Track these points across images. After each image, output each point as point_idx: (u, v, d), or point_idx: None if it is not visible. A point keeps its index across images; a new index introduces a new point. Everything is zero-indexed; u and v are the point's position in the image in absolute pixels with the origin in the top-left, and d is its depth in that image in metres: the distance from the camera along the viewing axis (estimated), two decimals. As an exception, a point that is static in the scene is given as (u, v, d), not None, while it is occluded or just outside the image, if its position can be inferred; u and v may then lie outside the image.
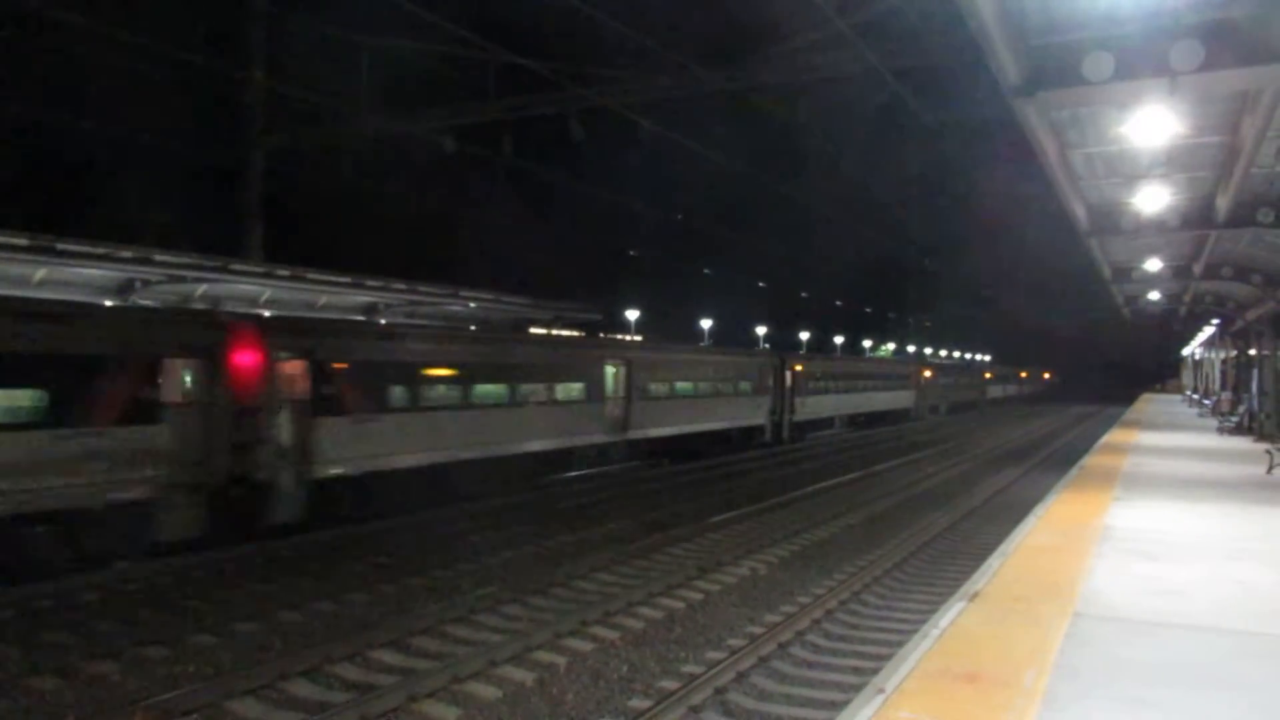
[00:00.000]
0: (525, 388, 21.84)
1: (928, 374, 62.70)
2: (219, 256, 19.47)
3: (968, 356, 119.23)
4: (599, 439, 24.85)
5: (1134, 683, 5.72)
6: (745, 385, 33.63)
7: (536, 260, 46.61)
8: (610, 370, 25.37)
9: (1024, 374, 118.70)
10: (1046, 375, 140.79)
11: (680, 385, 29.13)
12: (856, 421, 48.88)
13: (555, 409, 22.87)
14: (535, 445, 21.99)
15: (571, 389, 23.70)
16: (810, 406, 39.71)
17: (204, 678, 9.27)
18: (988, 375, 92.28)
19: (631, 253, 49.90)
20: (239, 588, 12.90)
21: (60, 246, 15.77)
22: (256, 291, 20.14)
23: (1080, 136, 12.51)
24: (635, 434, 26.21)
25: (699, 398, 30.24)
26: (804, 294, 72.66)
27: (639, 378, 26.34)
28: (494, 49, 19.71)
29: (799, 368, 38.42)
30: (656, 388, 27.52)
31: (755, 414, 34.60)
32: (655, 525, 17.88)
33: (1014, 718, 5.10)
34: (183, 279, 18.13)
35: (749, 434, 34.19)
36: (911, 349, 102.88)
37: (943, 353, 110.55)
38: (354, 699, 8.61)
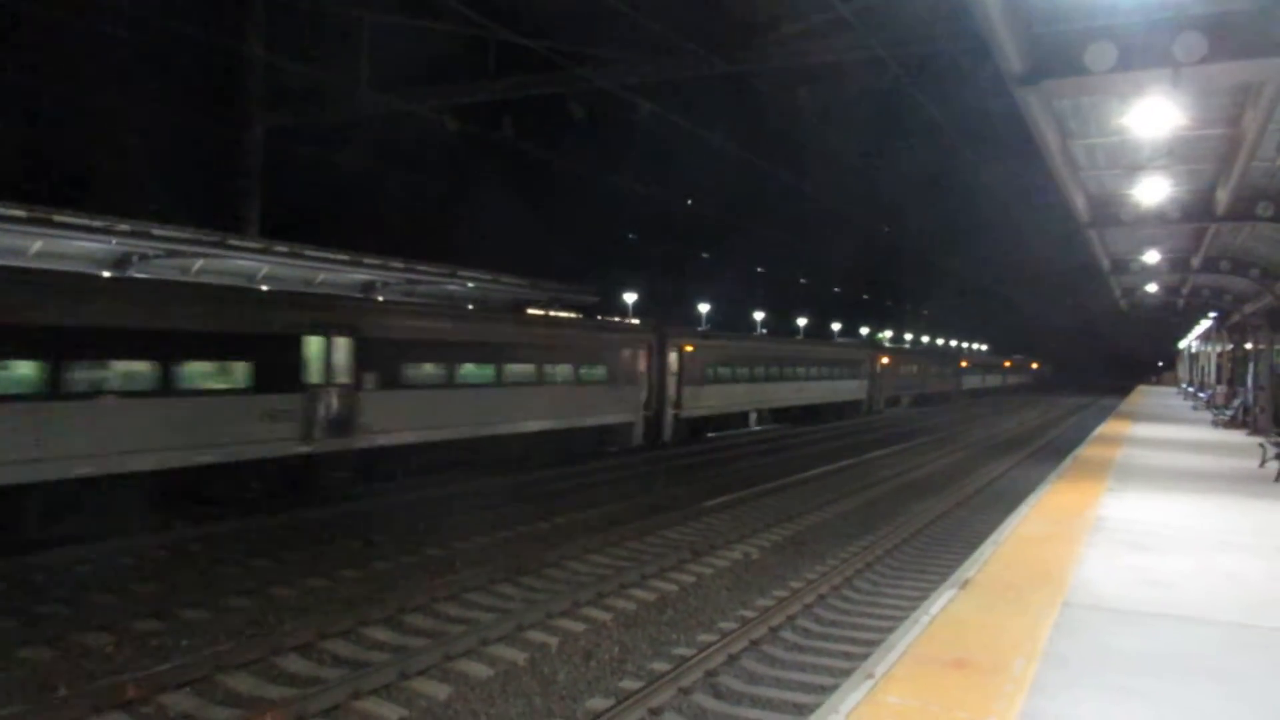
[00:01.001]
0: (88, 371, 13.67)
1: (885, 360, 53.70)
2: (217, 231, 19.45)
3: (963, 345, 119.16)
4: (285, 449, 16.18)
5: (1122, 672, 5.75)
6: (597, 371, 25.03)
7: (533, 241, 46.58)
8: (316, 344, 16.87)
9: (1008, 363, 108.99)
10: (1035, 365, 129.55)
11: (469, 369, 20.70)
12: (790, 416, 40.92)
13: (181, 403, 14.57)
14: (127, 463, 13.71)
15: (220, 372, 15.54)
16: (707, 398, 31.12)
17: (196, 651, 9.28)
18: (964, 364, 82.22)
19: (630, 235, 49.76)
20: (233, 563, 12.93)
21: (58, 218, 15.76)
22: (254, 267, 20.14)
23: (1082, 127, 12.49)
24: (371, 440, 17.87)
25: (505, 387, 21.62)
26: (802, 280, 72.78)
27: (376, 356, 17.99)
28: (494, 28, 19.61)
29: (689, 348, 29.62)
30: (414, 371, 19.17)
31: (615, 408, 25.93)
32: (649, 508, 17.91)
33: (1002, 704, 5.13)
34: (180, 253, 18.13)
35: (604, 434, 25.88)
36: (909, 337, 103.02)
37: (939, 340, 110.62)
38: (346, 675, 8.64)
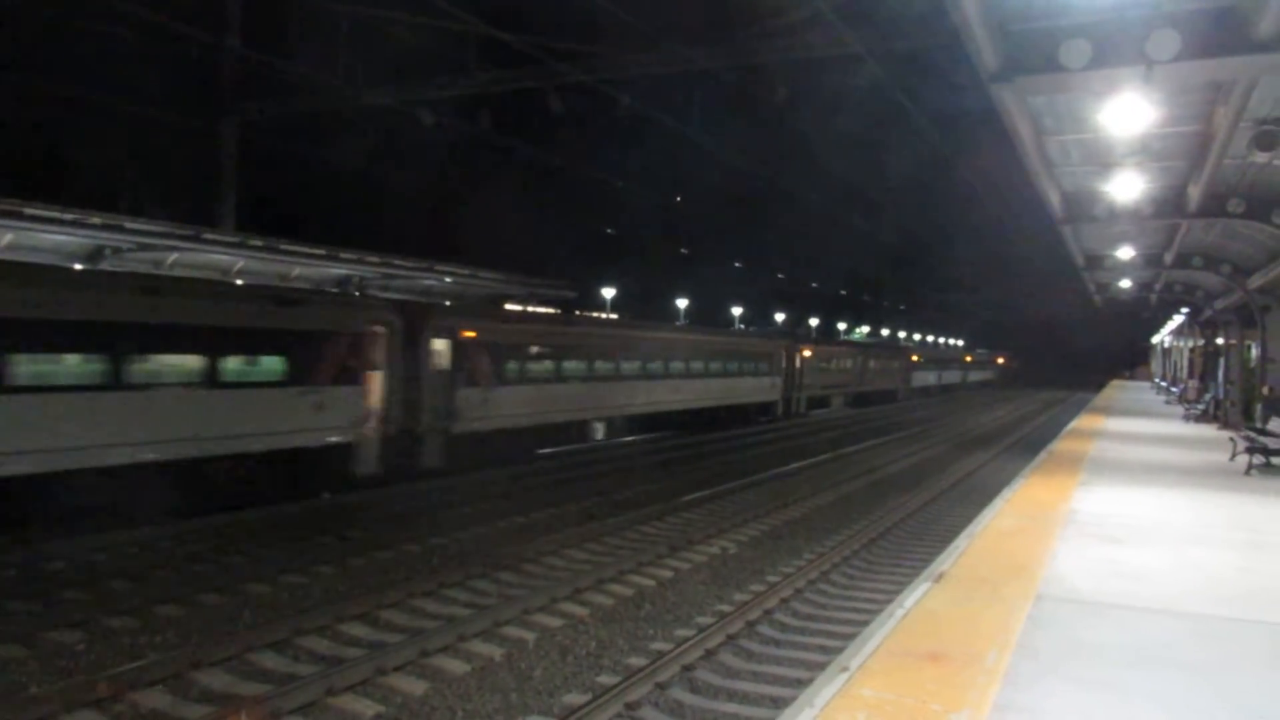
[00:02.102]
0: None
1: (807, 353, 44.28)
2: (191, 225, 19.28)
3: (947, 340, 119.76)
4: None
5: (1093, 663, 5.81)
6: (266, 366, 16.66)
7: (512, 236, 46.39)
8: None
9: (969, 358, 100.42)
10: (1000, 360, 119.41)
11: None
12: (658, 423, 31.50)
13: None
14: None
15: None
16: (506, 405, 22.15)
17: (170, 648, 9.23)
18: (915, 358, 71.75)
19: (609, 230, 49.59)
20: (207, 559, 12.84)
21: (28, 211, 15.57)
22: (229, 261, 19.99)
23: (1056, 123, 12.57)
24: None
25: (25, 393, 12.94)
26: (779, 275, 73.01)
27: None
28: (473, 21, 19.53)
29: (471, 333, 21.01)
30: None
31: (310, 424, 16.95)
32: (628, 503, 17.93)
33: (975, 696, 5.16)
34: (153, 247, 17.96)
35: (288, 463, 16.81)
36: (886, 333, 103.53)
37: (916, 337, 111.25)
38: (322, 671, 8.60)
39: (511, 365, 22.76)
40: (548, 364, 24.53)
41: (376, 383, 18.56)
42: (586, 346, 26.48)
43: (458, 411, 20.55)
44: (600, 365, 26.85)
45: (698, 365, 33.34)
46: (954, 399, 72.15)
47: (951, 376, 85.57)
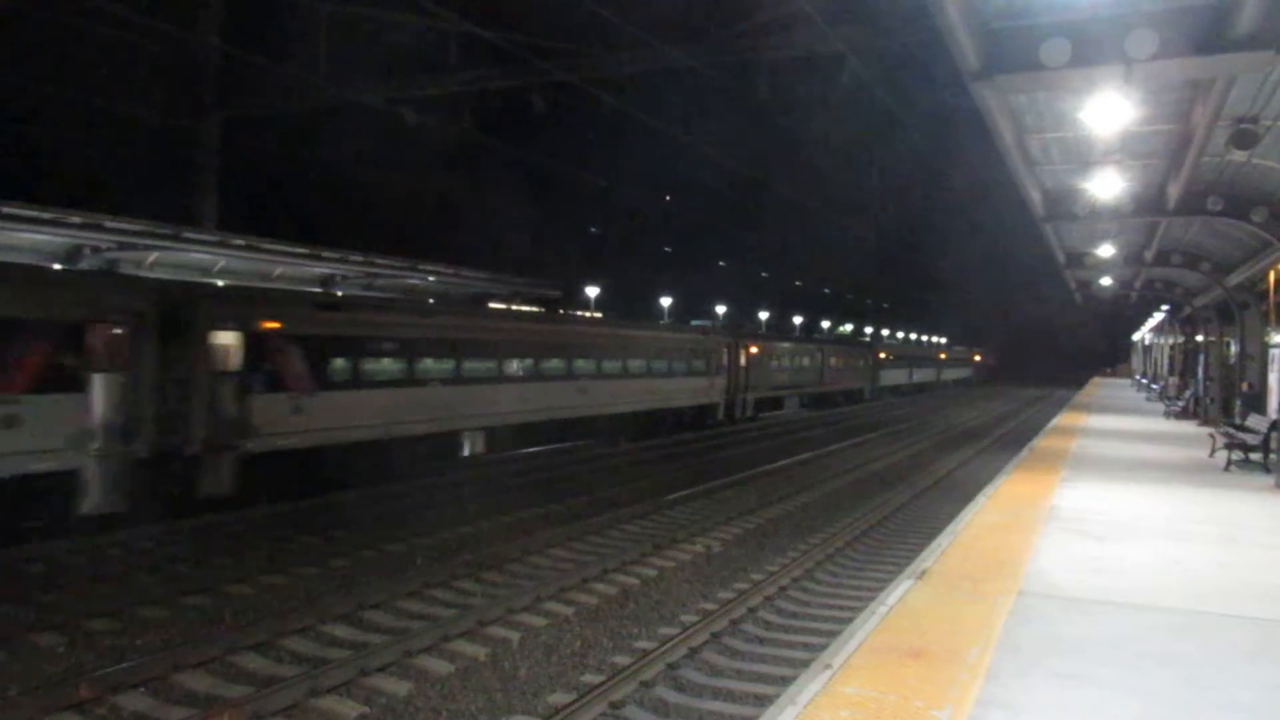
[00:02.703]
0: None
1: (754, 350, 39.44)
2: (171, 224, 19.16)
3: (926, 337, 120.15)
4: None
5: (1074, 659, 5.85)
6: None
7: (496, 234, 46.28)
8: None
9: (944, 355, 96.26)
10: (978, 357, 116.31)
11: None
12: (565, 432, 26.01)
13: None
14: None
15: None
16: (337, 414, 17.59)
17: (152, 650, 9.16)
18: (883, 355, 66.26)
19: (593, 229, 49.48)
20: (188, 560, 12.76)
21: (6, 210, 15.46)
22: (210, 260, 19.88)
23: (1037, 121, 12.65)
24: None
25: None
26: (764, 274, 73.17)
27: None
28: (456, 20, 19.48)
29: (274, 325, 16.63)
30: None
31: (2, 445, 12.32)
32: (612, 502, 17.92)
33: (957, 692, 5.19)
34: (134, 246, 17.85)
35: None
36: (870, 330, 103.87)
37: (900, 335, 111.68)
38: (305, 672, 8.56)
39: (340, 364, 17.91)
40: (397, 362, 19.42)
41: (112, 389, 13.96)
42: (455, 341, 21.06)
43: (254, 425, 15.94)
44: (474, 364, 21.69)
45: (613, 364, 28.03)
46: (935, 397, 72.12)
47: (925, 374, 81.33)
